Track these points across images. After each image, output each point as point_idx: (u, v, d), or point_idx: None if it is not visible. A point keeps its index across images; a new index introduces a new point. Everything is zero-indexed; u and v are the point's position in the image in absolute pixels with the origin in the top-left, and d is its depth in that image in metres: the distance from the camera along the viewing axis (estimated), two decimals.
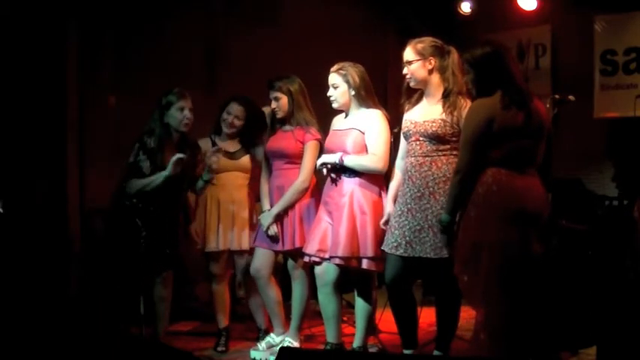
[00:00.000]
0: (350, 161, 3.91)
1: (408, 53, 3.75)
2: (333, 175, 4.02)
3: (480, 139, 3.26)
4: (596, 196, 5.55)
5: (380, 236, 3.85)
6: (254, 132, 4.50)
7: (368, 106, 4.01)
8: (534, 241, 3.29)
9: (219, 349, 4.51)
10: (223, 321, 4.59)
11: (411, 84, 3.78)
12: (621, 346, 3.65)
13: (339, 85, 4.00)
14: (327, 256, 3.96)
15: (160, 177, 4.09)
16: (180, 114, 4.17)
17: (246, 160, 4.50)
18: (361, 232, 3.88)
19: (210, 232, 4.45)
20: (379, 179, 3.99)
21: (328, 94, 4.05)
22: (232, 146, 4.53)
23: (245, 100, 4.49)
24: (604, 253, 4.39)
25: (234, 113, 4.46)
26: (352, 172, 3.95)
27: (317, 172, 4.22)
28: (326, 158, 3.99)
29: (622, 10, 5.93)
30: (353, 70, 3.99)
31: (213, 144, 4.50)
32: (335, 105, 4.06)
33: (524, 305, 3.27)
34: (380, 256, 3.84)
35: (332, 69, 4.04)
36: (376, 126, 3.94)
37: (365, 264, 3.89)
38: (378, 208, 3.92)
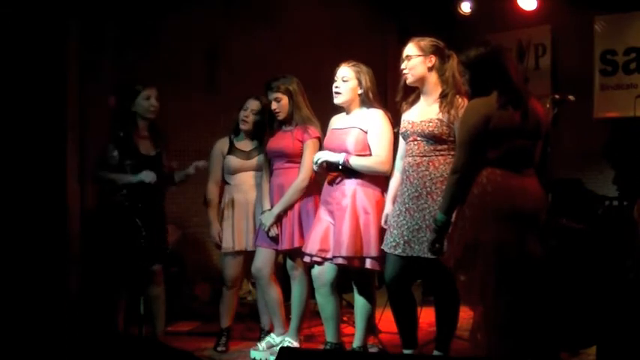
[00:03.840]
0: (355, 162, 3.91)
1: (409, 48, 3.74)
2: (331, 174, 4.01)
3: (476, 138, 3.26)
4: (596, 196, 5.54)
5: (384, 235, 3.85)
6: (265, 128, 4.50)
7: (369, 106, 4.01)
8: (531, 240, 3.29)
9: (219, 349, 4.51)
10: (226, 321, 4.60)
11: (408, 80, 3.77)
12: (621, 346, 3.65)
13: (349, 80, 3.98)
14: (328, 256, 3.96)
15: (127, 178, 4.15)
16: (146, 102, 4.27)
17: (260, 159, 4.50)
18: (364, 232, 3.88)
19: (226, 232, 4.47)
20: (381, 178, 3.99)
21: (335, 85, 4.01)
22: (247, 146, 4.55)
23: (260, 96, 4.51)
24: (604, 253, 4.38)
25: (250, 108, 4.49)
26: (353, 173, 3.94)
27: (316, 171, 4.22)
28: (328, 156, 3.98)
29: (622, 10, 5.93)
30: (366, 70, 3.99)
31: (231, 144, 4.53)
32: (338, 99, 4.02)
33: (521, 305, 3.26)
34: (382, 256, 3.84)
35: (344, 63, 4.01)
36: (379, 126, 3.93)
37: (368, 264, 3.89)
38: (381, 208, 3.91)
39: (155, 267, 4.32)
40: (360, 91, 3.99)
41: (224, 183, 4.57)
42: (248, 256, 4.52)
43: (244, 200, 4.49)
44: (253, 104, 4.49)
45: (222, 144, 4.56)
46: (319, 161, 3.98)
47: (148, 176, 4.12)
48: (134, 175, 4.13)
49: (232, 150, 4.53)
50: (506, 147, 3.26)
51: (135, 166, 4.17)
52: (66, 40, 5.03)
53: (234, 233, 4.46)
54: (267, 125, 4.40)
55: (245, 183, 4.51)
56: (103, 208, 4.31)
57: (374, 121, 3.94)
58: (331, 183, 4.01)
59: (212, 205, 4.54)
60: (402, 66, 3.76)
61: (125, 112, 4.28)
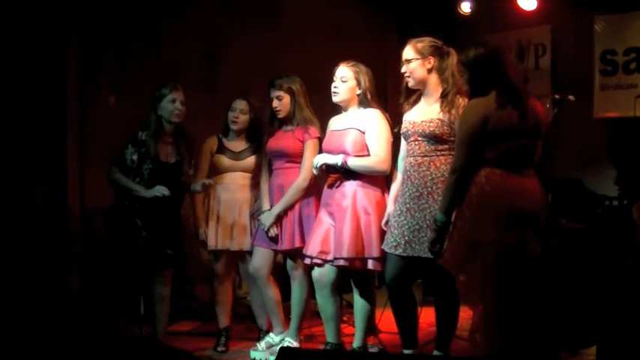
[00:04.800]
0: (353, 163, 3.90)
1: (408, 52, 3.75)
2: (331, 177, 4.01)
3: (474, 138, 3.26)
4: (596, 196, 5.54)
5: (384, 236, 3.84)
6: (260, 129, 4.50)
7: (367, 107, 4.00)
8: (531, 240, 3.29)
9: (219, 349, 4.51)
10: (224, 321, 4.60)
11: (410, 83, 3.78)
12: (621, 346, 3.65)
13: (348, 80, 3.98)
14: (329, 257, 3.95)
15: (141, 192, 4.16)
16: (171, 105, 4.26)
17: (250, 160, 4.50)
18: (366, 233, 3.87)
19: (210, 231, 4.47)
20: (380, 179, 3.99)
21: (334, 85, 4.01)
22: (238, 146, 4.54)
23: (248, 96, 4.52)
24: (604, 253, 4.39)
25: (239, 108, 4.49)
26: (353, 174, 3.94)
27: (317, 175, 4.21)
28: (326, 159, 3.98)
29: (622, 10, 5.93)
30: (365, 70, 3.99)
31: (220, 143, 4.53)
32: (336, 99, 4.03)
33: (520, 305, 3.26)
34: (383, 256, 3.84)
35: (344, 63, 4.01)
36: (376, 126, 3.93)
37: (370, 264, 3.88)
38: (382, 208, 3.92)
39: (167, 270, 4.34)
40: (358, 92, 3.99)
41: None
42: (235, 255, 4.53)
43: (232, 200, 4.48)
44: (241, 104, 4.50)
45: (212, 142, 4.55)
46: (318, 165, 3.98)
47: (159, 190, 4.12)
48: (148, 189, 4.15)
49: (222, 149, 4.52)
50: (505, 147, 3.26)
51: (152, 171, 4.18)
52: (66, 40, 5.03)
53: (218, 232, 4.46)
54: (266, 125, 4.40)
55: (233, 183, 4.51)
56: (114, 210, 4.30)
57: (371, 121, 3.94)
58: (331, 186, 4.01)
59: (197, 202, 4.54)
60: (403, 70, 3.76)
61: (150, 115, 4.26)
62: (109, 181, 4.27)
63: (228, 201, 4.48)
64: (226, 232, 4.46)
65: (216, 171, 4.52)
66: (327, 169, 4.01)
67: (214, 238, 4.46)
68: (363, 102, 4.00)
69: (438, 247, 3.39)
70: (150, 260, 4.15)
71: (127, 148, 4.21)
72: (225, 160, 4.50)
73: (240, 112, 4.49)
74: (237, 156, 4.51)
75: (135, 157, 4.19)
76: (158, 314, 4.37)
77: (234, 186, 4.50)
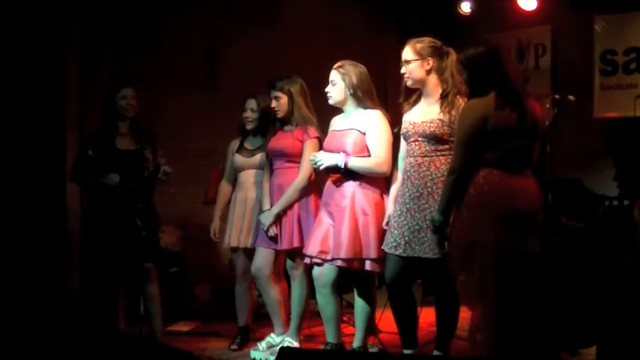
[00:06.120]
0: (354, 164, 3.90)
1: (407, 52, 3.74)
2: (333, 176, 4.01)
3: (473, 138, 3.25)
4: (596, 195, 5.53)
5: (383, 237, 3.84)
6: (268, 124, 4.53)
7: (366, 107, 4.00)
8: (529, 240, 3.29)
9: (232, 347, 4.52)
10: (242, 320, 4.62)
11: (408, 83, 3.78)
12: (621, 346, 3.65)
13: (336, 83, 4.00)
14: (328, 257, 3.95)
15: (94, 180, 4.21)
16: (123, 101, 4.33)
17: (262, 157, 4.52)
18: (364, 233, 3.87)
19: (226, 229, 4.56)
20: (380, 180, 3.99)
21: (326, 89, 4.05)
22: (253, 144, 4.59)
23: (256, 94, 4.56)
24: (604, 253, 4.38)
25: (249, 107, 4.54)
26: (353, 174, 3.94)
27: (317, 171, 4.21)
28: (327, 159, 3.97)
29: (622, 10, 5.92)
30: (352, 70, 3.98)
31: (241, 143, 4.60)
32: (331, 101, 4.06)
33: (520, 305, 3.26)
34: (382, 257, 3.84)
35: (334, 66, 4.04)
36: (377, 127, 3.93)
37: (368, 265, 3.88)
38: (380, 209, 3.91)
39: (148, 265, 4.32)
40: (348, 91, 3.99)
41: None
42: (250, 253, 4.54)
43: (243, 198, 4.53)
44: (250, 103, 4.54)
45: (234, 143, 4.65)
46: (321, 166, 3.97)
47: (111, 179, 4.17)
48: (103, 177, 4.18)
49: (240, 149, 4.60)
50: (503, 147, 3.26)
51: (111, 161, 4.21)
52: (66, 40, 5.03)
53: (231, 230, 4.51)
54: (270, 123, 4.41)
55: (247, 181, 4.56)
56: (96, 210, 4.31)
57: (372, 122, 3.94)
58: (335, 183, 4.00)
59: (217, 201, 4.66)
60: (402, 70, 3.76)
61: (105, 112, 4.34)
62: (71, 180, 4.43)
63: (241, 199, 4.54)
64: (237, 230, 4.50)
65: (236, 170, 4.61)
66: (327, 169, 4.01)
67: (227, 236, 4.53)
68: (356, 100, 3.99)
69: (444, 250, 3.40)
70: (149, 260, 4.16)
71: (84, 148, 4.29)
72: (239, 159, 4.57)
73: (250, 111, 4.54)
74: (250, 154, 4.56)
75: (90, 152, 4.24)
76: (152, 313, 4.37)
77: (247, 184, 4.55)
